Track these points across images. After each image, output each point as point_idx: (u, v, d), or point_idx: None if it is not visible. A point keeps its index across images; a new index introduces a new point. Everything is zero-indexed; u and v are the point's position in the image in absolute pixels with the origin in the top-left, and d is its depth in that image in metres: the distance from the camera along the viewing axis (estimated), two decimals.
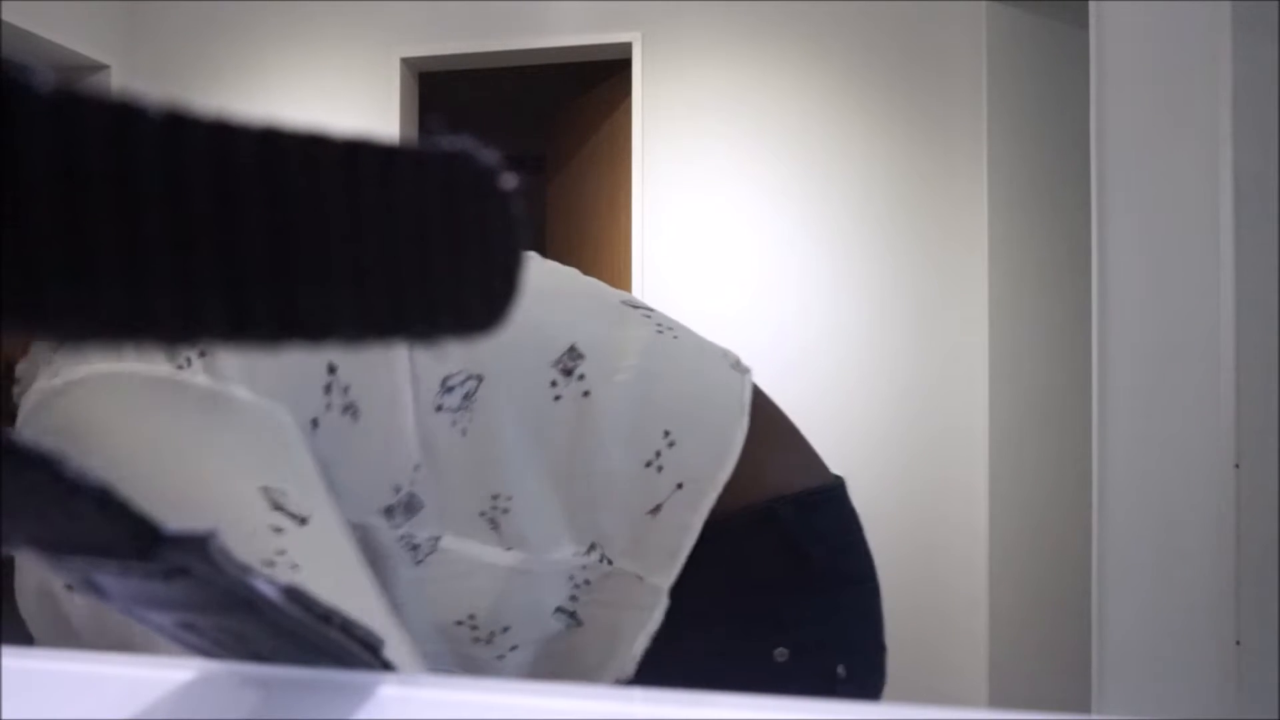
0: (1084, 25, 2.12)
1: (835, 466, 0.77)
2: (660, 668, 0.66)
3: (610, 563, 0.67)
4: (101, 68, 3.34)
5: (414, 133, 3.27)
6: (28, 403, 0.54)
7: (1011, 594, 2.78)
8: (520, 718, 0.20)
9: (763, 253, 3.07)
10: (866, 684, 0.73)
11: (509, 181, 0.16)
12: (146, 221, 0.12)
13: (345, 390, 0.60)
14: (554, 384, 0.66)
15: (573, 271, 0.77)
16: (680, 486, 0.67)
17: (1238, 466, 1.85)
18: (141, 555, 0.19)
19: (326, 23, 3.35)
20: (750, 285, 3.07)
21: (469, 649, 0.66)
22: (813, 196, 3.05)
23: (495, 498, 0.65)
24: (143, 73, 3.43)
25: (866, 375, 2.98)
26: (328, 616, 0.21)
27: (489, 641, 0.65)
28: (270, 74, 3.39)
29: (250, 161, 0.13)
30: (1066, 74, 2.67)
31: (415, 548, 0.63)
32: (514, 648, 0.66)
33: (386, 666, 0.23)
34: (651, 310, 0.76)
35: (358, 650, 0.22)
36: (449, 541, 0.64)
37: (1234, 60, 1.87)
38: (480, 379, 0.64)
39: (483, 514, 0.65)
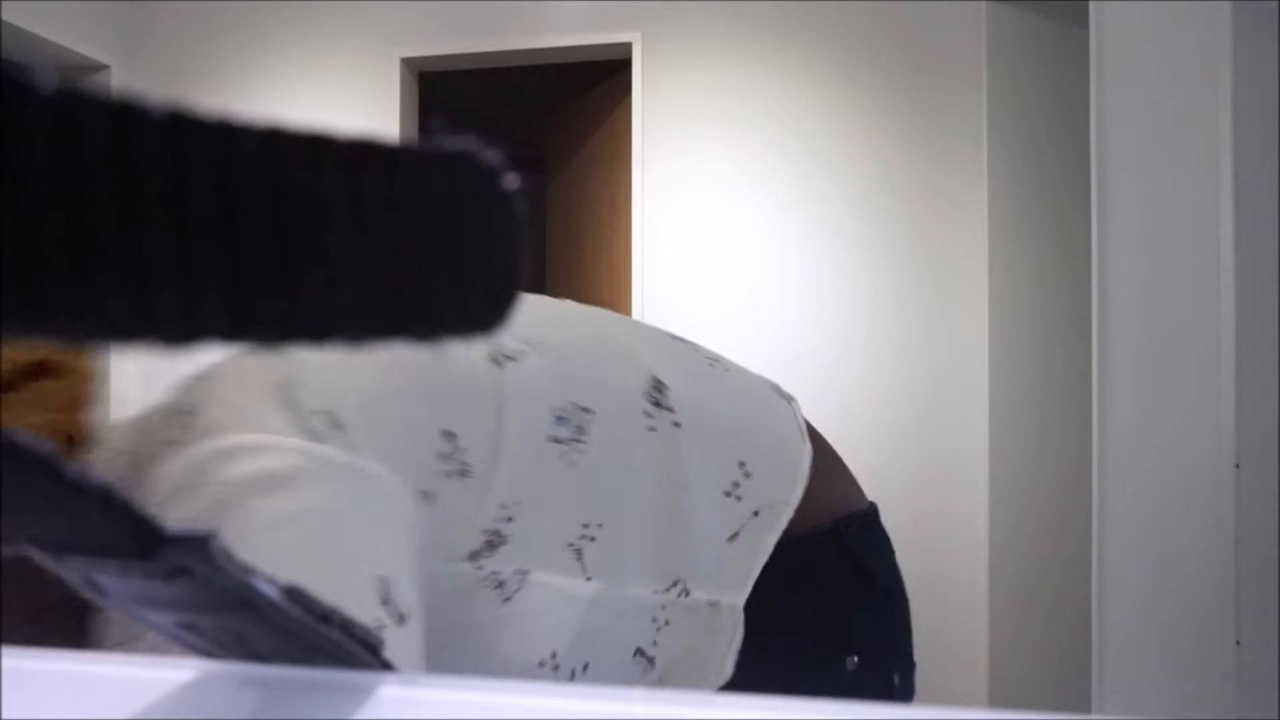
0: (1084, 25, 2.12)
1: None
2: (742, 670, 0.68)
3: (688, 594, 0.67)
4: (101, 68, 3.34)
5: (414, 133, 3.27)
6: (174, 470, 0.51)
7: (1011, 594, 2.78)
8: (520, 718, 0.20)
9: (762, 253, 3.07)
10: (907, 694, 0.79)
11: (511, 182, 0.16)
12: (149, 222, 0.12)
13: (463, 453, 0.59)
14: (648, 414, 0.68)
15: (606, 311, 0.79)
16: (757, 514, 0.69)
17: (1238, 466, 1.85)
18: (143, 555, 0.19)
19: (326, 23, 3.35)
20: (750, 285, 3.07)
21: None
22: (812, 196, 3.05)
23: (585, 526, 0.64)
24: (143, 73, 3.43)
25: (866, 375, 2.98)
26: (328, 616, 0.21)
27: (570, 682, 0.65)
28: (270, 74, 3.39)
29: (253, 162, 0.13)
30: (1066, 74, 2.67)
31: (501, 584, 0.61)
32: None
33: (386, 666, 0.23)
34: (696, 345, 0.78)
35: (358, 650, 0.22)
36: (538, 575, 0.62)
37: (1234, 60, 1.87)
38: (590, 411, 0.65)
39: (570, 544, 0.64)
